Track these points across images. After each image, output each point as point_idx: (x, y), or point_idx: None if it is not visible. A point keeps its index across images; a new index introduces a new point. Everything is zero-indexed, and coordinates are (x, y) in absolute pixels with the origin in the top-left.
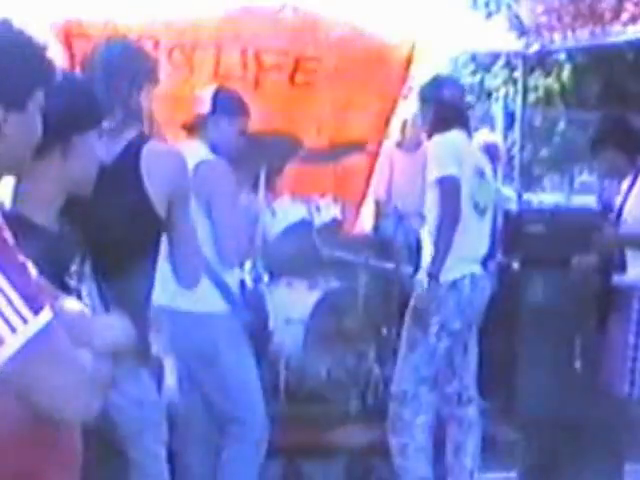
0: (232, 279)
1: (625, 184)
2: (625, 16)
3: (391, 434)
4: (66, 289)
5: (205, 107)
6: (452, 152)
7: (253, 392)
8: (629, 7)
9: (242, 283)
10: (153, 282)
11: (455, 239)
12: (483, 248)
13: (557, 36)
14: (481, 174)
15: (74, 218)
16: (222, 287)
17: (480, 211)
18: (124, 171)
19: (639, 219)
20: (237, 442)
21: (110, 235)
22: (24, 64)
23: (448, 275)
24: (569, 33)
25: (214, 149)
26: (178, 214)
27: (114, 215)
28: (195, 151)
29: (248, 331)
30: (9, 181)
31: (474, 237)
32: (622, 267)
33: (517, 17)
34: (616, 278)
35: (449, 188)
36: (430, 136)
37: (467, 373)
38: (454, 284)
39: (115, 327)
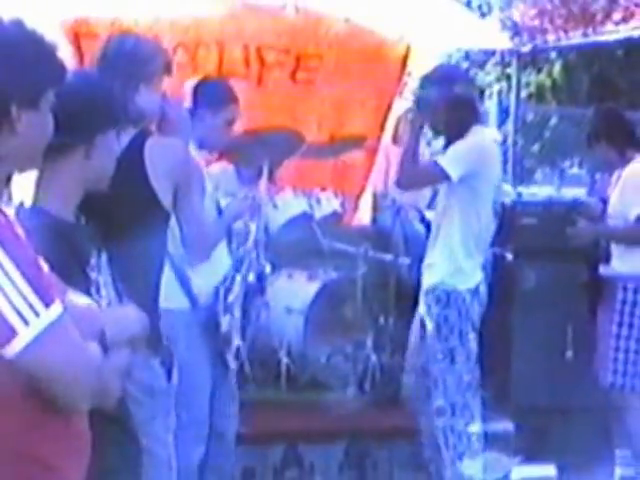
0: (198, 276)
1: (614, 177)
2: (616, 16)
3: (443, 447)
4: (88, 281)
5: (187, 102)
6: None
7: (198, 394)
8: (620, 8)
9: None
10: (161, 271)
11: (476, 246)
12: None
13: (549, 37)
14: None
15: (85, 212)
16: (184, 284)
17: (495, 213)
18: (129, 165)
19: (620, 212)
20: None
21: (119, 226)
22: (36, 63)
23: (470, 282)
24: (561, 34)
25: (201, 145)
26: (182, 201)
27: (121, 208)
28: None
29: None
30: (28, 180)
31: (489, 237)
32: (608, 258)
33: (509, 19)
34: (602, 269)
35: None
36: (450, 141)
37: None
38: (476, 289)
39: (131, 318)
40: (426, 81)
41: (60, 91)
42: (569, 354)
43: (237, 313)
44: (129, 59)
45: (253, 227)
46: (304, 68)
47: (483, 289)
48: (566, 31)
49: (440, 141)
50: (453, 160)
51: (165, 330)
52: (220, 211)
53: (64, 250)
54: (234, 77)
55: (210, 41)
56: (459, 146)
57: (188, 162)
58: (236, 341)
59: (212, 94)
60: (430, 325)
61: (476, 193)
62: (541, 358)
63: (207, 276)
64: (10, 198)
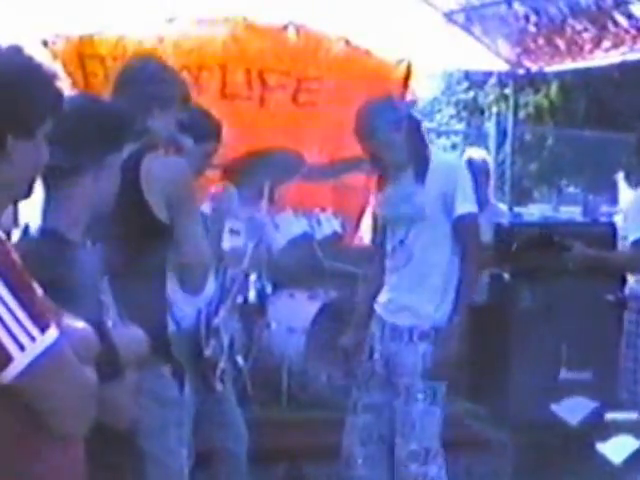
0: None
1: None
2: (606, 44)
3: None
4: (100, 303)
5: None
6: None
7: None
8: (609, 36)
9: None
10: (164, 281)
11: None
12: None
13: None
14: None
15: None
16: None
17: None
18: (124, 182)
19: (633, 219)
20: None
21: (115, 243)
22: (34, 93)
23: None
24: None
25: None
26: (176, 218)
27: (116, 224)
28: None
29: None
30: (33, 203)
31: None
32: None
33: (501, 47)
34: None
35: None
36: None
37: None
38: None
39: (139, 338)
40: None
41: (70, 114)
42: (564, 371)
43: (224, 336)
44: (147, 82)
45: (248, 248)
46: (305, 90)
47: None
48: (552, 64)
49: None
50: None
51: None
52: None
53: (76, 272)
54: (237, 99)
55: (213, 64)
56: None
57: (185, 179)
58: (221, 365)
59: (195, 124)
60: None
61: None
62: (538, 375)
63: (190, 299)
64: (16, 220)
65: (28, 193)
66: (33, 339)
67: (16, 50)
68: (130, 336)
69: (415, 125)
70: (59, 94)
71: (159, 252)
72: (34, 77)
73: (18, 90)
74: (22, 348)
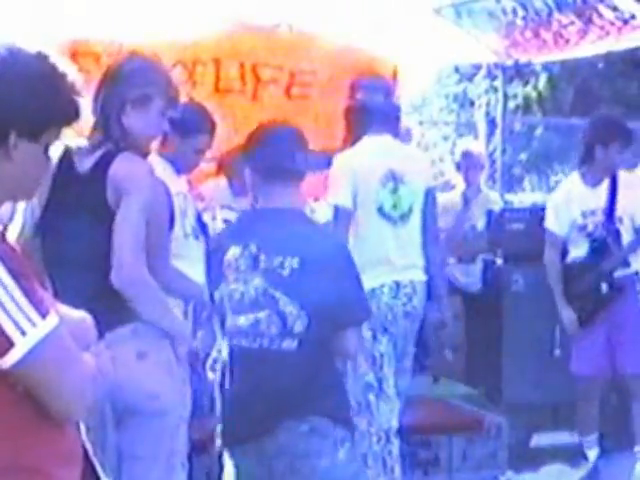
0: None
1: (602, 186)
2: (592, 36)
3: None
4: None
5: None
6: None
7: None
8: (594, 28)
9: None
10: None
11: (357, 247)
12: (403, 257)
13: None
14: (395, 179)
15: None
16: None
17: (389, 218)
18: (93, 179)
19: (632, 215)
20: None
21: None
22: (48, 99)
23: (366, 283)
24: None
25: (173, 165)
26: (120, 208)
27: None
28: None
29: None
30: None
31: (380, 245)
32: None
33: (490, 40)
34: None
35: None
36: None
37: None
38: (373, 292)
39: (84, 324)
40: None
41: None
42: (557, 352)
43: (213, 325)
44: (121, 81)
45: None
46: (298, 84)
47: (385, 298)
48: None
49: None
50: None
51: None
52: (204, 228)
53: None
54: (231, 93)
55: (207, 59)
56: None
57: (136, 173)
58: (213, 354)
59: (184, 120)
60: None
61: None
62: (531, 356)
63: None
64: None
65: (29, 195)
66: (34, 324)
67: (42, 56)
68: (77, 322)
69: None
70: (73, 104)
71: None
72: (51, 84)
73: (32, 93)
74: (23, 333)
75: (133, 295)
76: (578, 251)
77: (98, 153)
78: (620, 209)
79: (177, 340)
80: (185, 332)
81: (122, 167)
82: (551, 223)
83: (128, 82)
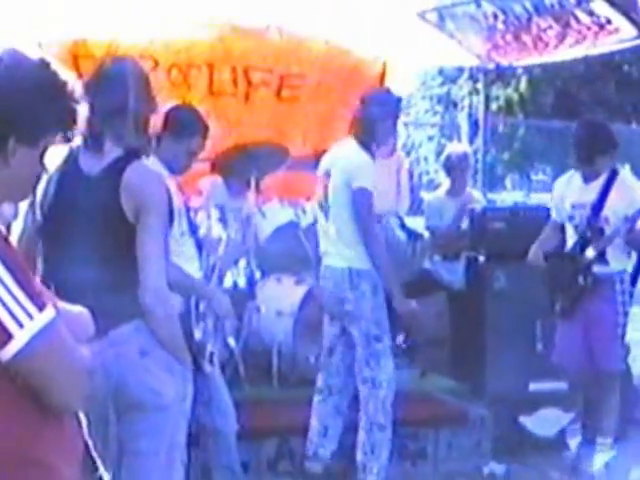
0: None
1: (597, 182)
2: (570, 40)
3: None
4: None
5: (158, 125)
6: None
7: None
8: (572, 33)
9: None
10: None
11: None
12: (324, 246)
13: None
14: (327, 175)
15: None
16: None
17: (323, 210)
18: (106, 184)
19: (619, 215)
20: None
21: (88, 239)
22: (47, 107)
23: None
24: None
25: (167, 166)
26: (141, 223)
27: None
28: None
29: None
30: None
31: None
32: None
33: (472, 44)
34: (597, 268)
35: None
36: None
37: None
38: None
39: (83, 319)
40: None
41: None
42: (539, 347)
43: (210, 321)
44: (102, 90)
45: (224, 236)
46: (288, 86)
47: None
48: (520, 60)
49: None
50: None
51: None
52: (194, 228)
53: None
54: (223, 96)
55: (201, 62)
56: None
57: (155, 189)
58: (209, 347)
59: (178, 123)
60: None
61: None
62: (513, 351)
63: None
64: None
65: (25, 196)
66: (31, 317)
67: (44, 64)
68: (75, 316)
69: None
70: (72, 112)
71: (129, 249)
72: (52, 93)
73: (33, 101)
74: (21, 326)
75: (160, 312)
76: (569, 242)
77: (111, 157)
78: (608, 209)
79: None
80: (188, 359)
81: (138, 177)
82: (552, 209)
83: (145, 92)
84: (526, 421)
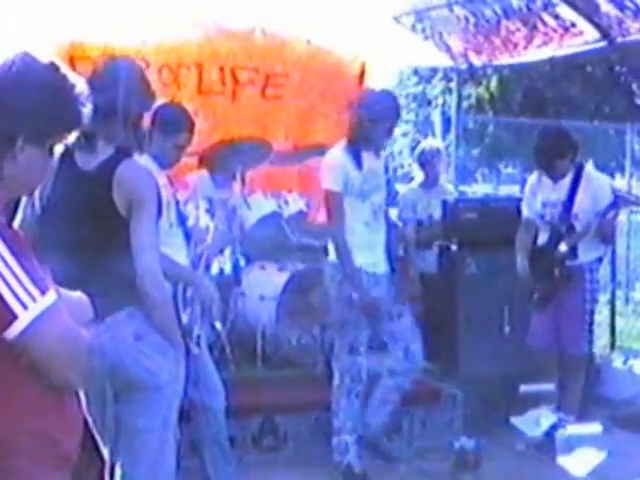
0: None
1: (564, 181)
2: (537, 42)
3: None
4: None
5: (146, 122)
6: None
7: None
8: (539, 35)
9: None
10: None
11: None
12: None
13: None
14: None
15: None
16: None
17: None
18: (99, 181)
19: (588, 211)
20: None
21: (82, 232)
22: (56, 109)
23: None
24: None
25: (156, 160)
26: (134, 217)
27: (81, 214)
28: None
29: None
30: None
31: None
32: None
33: (446, 45)
34: (569, 262)
35: None
36: None
37: None
38: None
39: (82, 304)
40: None
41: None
42: (507, 329)
43: (197, 306)
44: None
45: (212, 225)
46: (272, 85)
47: None
48: (492, 59)
49: None
50: None
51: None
52: (182, 219)
53: None
54: (212, 94)
55: (190, 63)
56: None
57: (146, 185)
58: (196, 330)
59: (165, 119)
60: None
61: None
62: (483, 334)
63: None
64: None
65: (31, 192)
66: (34, 299)
67: (54, 67)
68: (75, 300)
69: None
70: (79, 114)
71: (121, 241)
72: (61, 95)
73: (42, 103)
74: (25, 307)
75: (157, 295)
76: (541, 237)
77: (104, 155)
78: (577, 206)
79: (175, 347)
80: (181, 342)
81: (129, 175)
82: (524, 206)
83: (143, 92)
84: (516, 422)
